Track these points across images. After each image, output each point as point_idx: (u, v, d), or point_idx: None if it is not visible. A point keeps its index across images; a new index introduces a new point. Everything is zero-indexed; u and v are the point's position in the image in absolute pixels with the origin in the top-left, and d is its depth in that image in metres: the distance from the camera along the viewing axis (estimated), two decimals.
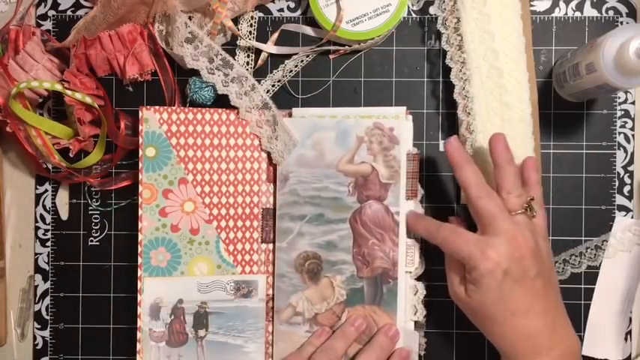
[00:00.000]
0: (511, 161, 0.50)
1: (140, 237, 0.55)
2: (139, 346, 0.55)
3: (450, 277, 0.52)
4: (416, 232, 0.54)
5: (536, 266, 0.47)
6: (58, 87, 0.55)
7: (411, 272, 0.56)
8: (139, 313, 0.55)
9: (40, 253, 0.59)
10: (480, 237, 0.48)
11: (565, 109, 0.58)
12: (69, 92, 0.55)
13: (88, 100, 0.55)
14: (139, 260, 0.55)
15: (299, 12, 0.59)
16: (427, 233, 0.52)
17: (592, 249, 0.58)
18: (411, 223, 0.54)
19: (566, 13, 0.58)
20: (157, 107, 0.55)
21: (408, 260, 0.55)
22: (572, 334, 0.49)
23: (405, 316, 0.55)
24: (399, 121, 0.55)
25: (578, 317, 0.58)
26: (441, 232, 0.50)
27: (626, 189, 0.58)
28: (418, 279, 0.56)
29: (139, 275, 0.55)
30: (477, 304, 0.49)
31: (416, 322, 0.56)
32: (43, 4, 0.59)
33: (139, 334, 0.55)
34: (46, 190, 0.59)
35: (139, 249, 0.55)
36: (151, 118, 0.55)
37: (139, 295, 0.55)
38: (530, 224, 0.49)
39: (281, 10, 0.59)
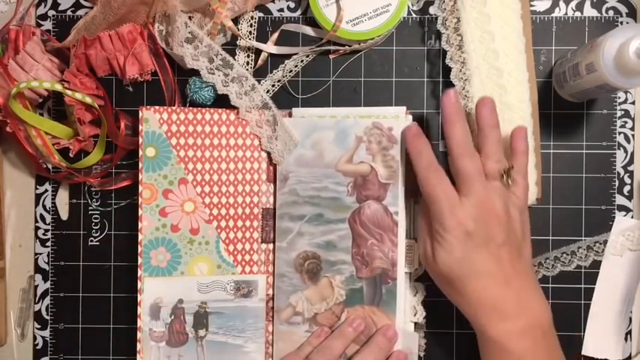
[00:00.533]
0: (495, 126, 0.50)
1: (140, 237, 0.55)
2: (139, 346, 0.55)
3: (422, 238, 0.51)
4: (408, 149, 0.52)
5: (503, 233, 0.47)
6: (58, 87, 0.55)
7: (410, 273, 0.55)
8: (139, 313, 0.55)
9: (40, 253, 0.59)
10: (455, 193, 0.48)
11: (565, 109, 0.58)
12: (69, 92, 0.55)
13: (88, 100, 0.55)
14: (139, 260, 0.55)
15: (299, 12, 0.59)
16: (416, 159, 0.50)
17: (584, 249, 0.58)
18: (408, 140, 0.51)
19: (566, 13, 0.58)
20: (156, 107, 0.55)
21: (407, 261, 0.55)
22: (541, 305, 0.49)
23: (405, 317, 0.55)
24: (397, 120, 0.55)
25: (578, 317, 0.58)
26: (430, 170, 0.49)
27: (626, 189, 0.58)
28: (418, 280, 0.56)
29: (139, 275, 0.55)
30: (440, 265, 0.48)
31: (416, 324, 0.56)
32: (43, 4, 0.59)
33: (139, 334, 0.55)
34: (46, 190, 0.59)
35: (139, 249, 0.55)
36: (151, 118, 0.55)
37: (139, 295, 0.55)
38: (505, 192, 0.49)
39: (281, 10, 0.59)
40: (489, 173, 0.49)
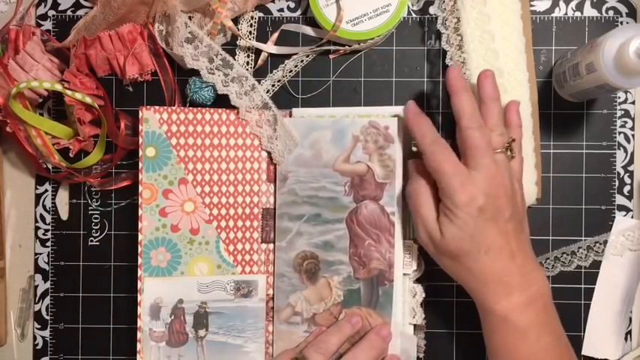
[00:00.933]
0: (497, 99, 0.50)
1: (140, 237, 0.55)
2: (139, 346, 0.55)
3: (423, 215, 0.50)
4: (410, 128, 0.51)
5: (510, 208, 0.47)
6: (58, 87, 0.55)
7: (409, 274, 0.55)
8: (139, 313, 0.55)
9: (40, 253, 0.59)
10: (463, 167, 0.48)
11: (565, 109, 0.58)
12: (69, 92, 0.55)
13: (88, 100, 0.55)
14: (139, 260, 0.55)
15: (299, 12, 0.59)
16: (420, 137, 0.49)
17: (584, 249, 0.58)
18: (409, 117, 0.51)
19: (566, 13, 0.58)
20: (156, 107, 0.55)
21: (405, 262, 0.54)
22: (542, 277, 0.49)
23: (404, 320, 0.55)
24: (394, 119, 0.54)
25: (578, 317, 0.58)
26: (434, 145, 0.48)
27: (626, 189, 0.58)
28: (417, 281, 0.56)
29: (139, 275, 0.55)
30: (449, 241, 0.48)
31: (415, 325, 0.56)
32: (43, 4, 0.59)
33: (139, 334, 0.55)
34: (46, 190, 0.59)
35: (139, 249, 0.55)
36: (151, 118, 0.55)
37: (139, 295, 0.55)
38: (508, 165, 0.49)
39: (281, 10, 0.59)
40: (494, 146, 0.48)
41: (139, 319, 0.55)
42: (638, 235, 0.57)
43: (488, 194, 0.47)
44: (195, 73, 0.56)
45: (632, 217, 0.58)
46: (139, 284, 0.55)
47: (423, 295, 0.55)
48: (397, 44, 0.59)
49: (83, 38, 0.56)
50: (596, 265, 0.58)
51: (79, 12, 0.59)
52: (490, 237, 0.47)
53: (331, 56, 0.59)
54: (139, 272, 0.55)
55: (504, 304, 0.47)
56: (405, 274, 0.55)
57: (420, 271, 0.55)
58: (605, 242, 0.58)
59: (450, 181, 0.47)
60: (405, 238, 0.55)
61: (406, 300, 0.55)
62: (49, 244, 0.59)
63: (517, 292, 0.47)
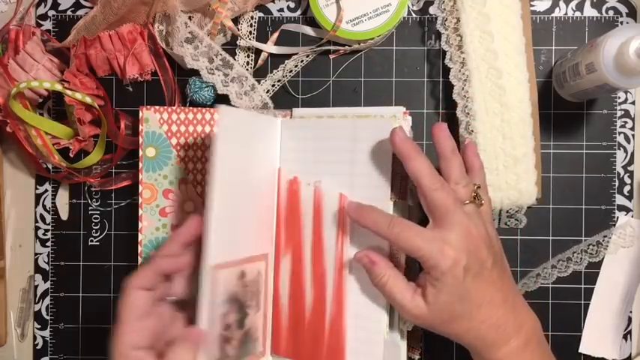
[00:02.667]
0: (455, 150, 0.49)
1: (140, 237, 0.55)
2: None
3: (400, 295, 0.47)
4: (362, 225, 0.48)
5: (491, 255, 0.47)
6: (58, 87, 0.55)
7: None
8: None
9: (40, 253, 0.59)
10: (434, 232, 0.46)
11: (565, 109, 0.58)
12: (69, 92, 0.55)
13: (88, 100, 0.55)
14: (139, 260, 0.55)
15: (299, 12, 0.59)
16: (376, 228, 0.47)
17: (593, 245, 0.58)
18: (353, 217, 0.49)
19: (566, 13, 0.58)
20: (157, 107, 0.55)
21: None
22: (531, 313, 0.48)
23: (392, 326, 0.51)
24: (395, 120, 0.54)
25: (578, 317, 0.58)
26: (394, 227, 0.46)
27: (626, 189, 0.58)
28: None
29: None
30: (441, 308, 0.46)
31: (408, 332, 0.52)
32: (43, 4, 0.59)
33: None
34: (46, 190, 0.59)
35: (139, 249, 0.55)
36: (151, 118, 0.55)
37: None
38: (479, 213, 0.48)
39: (281, 10, 0.59)
40: (462, 199, 0.47)
41: None
42: (630, 233, 0.58)
43: (469, 251, 0.45)
44: (196, 73, 0.56)
45: (632, 217, 0.58)
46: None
47: None
48: (397, 44, 0.59)
49: (83, 38, 0.56)
50: (596, 265, 0.58)
51: (79, 12, 0.59)
52: (479, 292, 0.46)
53: (331, 56, 0.59)
54: None
55: (503, 351, 0.46)
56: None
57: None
58: (599, 243, 0.58)
59: (430, 252, 0.45)
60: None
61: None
62: (49, 244, 0.59)
63: (514, 336, 0.46)
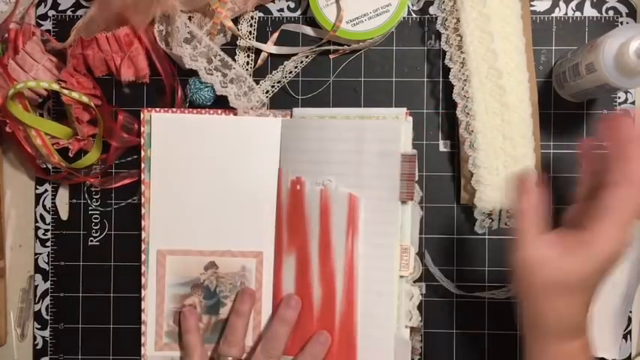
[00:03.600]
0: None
1: (143, 235, 0.56)
2: (143, 338, 0.57)
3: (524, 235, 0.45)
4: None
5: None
6: (55, 86, 0.55)
7: (406, 277, 0.54)
8: (143, 307, 0.57)
9: (40, 253, 0.59)
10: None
11: (565, 109, 0.58)
12: (65, 91, 0.55)
13: (85, 99, 0.55)
14: (142, 257, 0.57)
15: (299, 12, 0.59)
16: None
17: None
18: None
19: (566, 13, 0.58)
20: (157, 108, 0.56)
21: (402, 264, 0.53)
22: None
23: (399, 323, 0.53)
24: (397, 122, 0.54)
25: None
26: None
27: None
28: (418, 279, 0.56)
29: (142, 271, 0.57)
30: (577, 270, 0.44)
31: (412, 328, 0.54)
32: (43, 4, 0.59)
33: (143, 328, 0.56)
34: (46, 190, 0.59)
35: (142, 246, 0.57)
36: (152, 119, 0.56)
37: (142, 290, 0.57)
38: None
39: (281, 10, 0.59)
40: None
41: (142, 314, 0.57)
42: None
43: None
44: (196, 73, 0.56)
45: None
46: (143, 280, 0.56)
47: (420, 297, 0.54)
48: (397, 44, 0.59)
49: (80, 38, 0.56)
50: None
51: (79, 12, 0.59)
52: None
53: (331, 56, 0.59)
54: (143, 269, 0.56)
55: (580, 342, 0.47)
56: (401, 277, 0.53)
57: (418, 272, 0.55)
58: None
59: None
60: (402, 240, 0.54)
61: (402, 302, 0.53)
62: (49, 244, 0.59)
63: (585, 334, 0.47)
